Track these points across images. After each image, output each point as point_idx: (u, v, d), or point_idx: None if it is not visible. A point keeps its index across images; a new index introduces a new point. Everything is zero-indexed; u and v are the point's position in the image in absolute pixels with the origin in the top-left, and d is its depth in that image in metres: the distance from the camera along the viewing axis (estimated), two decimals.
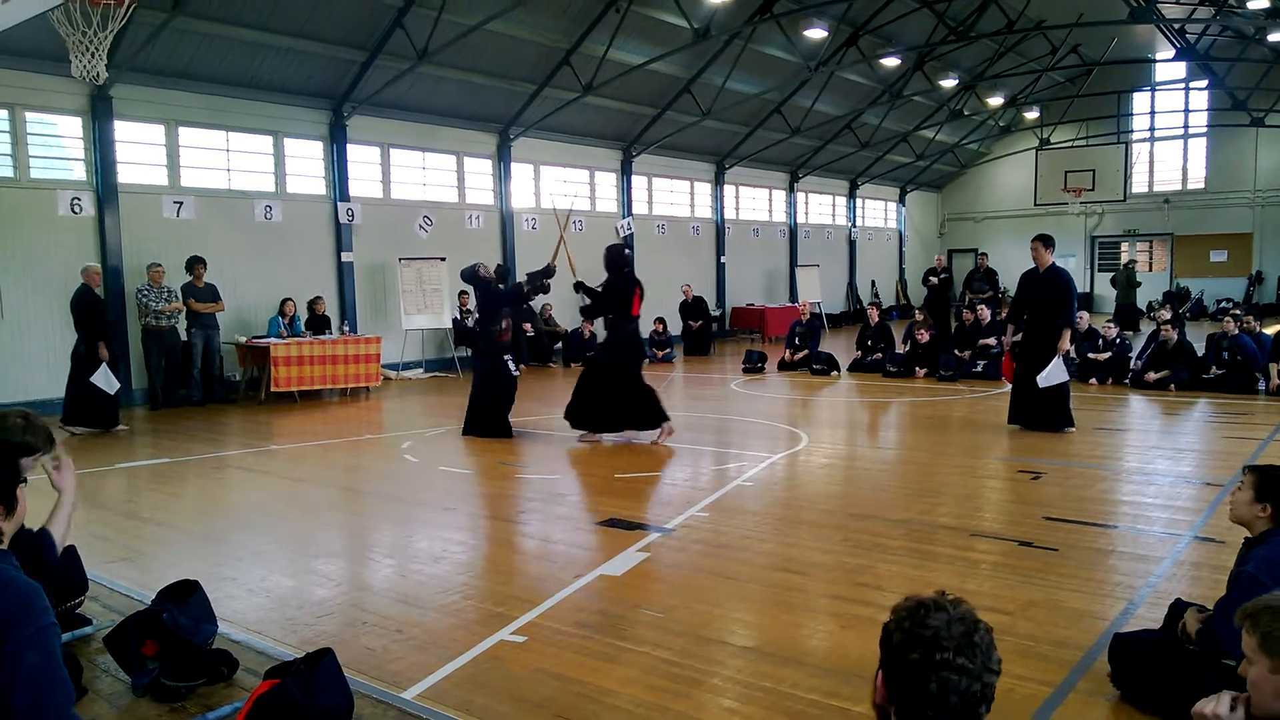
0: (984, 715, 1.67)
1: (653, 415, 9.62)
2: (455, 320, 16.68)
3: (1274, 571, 3.31)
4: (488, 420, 10.08)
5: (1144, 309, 24.65)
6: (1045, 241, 9.63)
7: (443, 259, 16.21)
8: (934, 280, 18.47)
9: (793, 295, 25.47)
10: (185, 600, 3.85)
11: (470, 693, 3.84)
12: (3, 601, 2.56)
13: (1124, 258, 28.14)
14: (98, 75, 7.36)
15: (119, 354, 11.72)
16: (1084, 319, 14.37)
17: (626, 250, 9.83)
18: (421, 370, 16.63)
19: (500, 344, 10.16)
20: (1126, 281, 22.27)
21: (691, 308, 20.48)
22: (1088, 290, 29.89)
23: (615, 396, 9.56)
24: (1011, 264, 29.86)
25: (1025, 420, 9.77)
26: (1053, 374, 9.44)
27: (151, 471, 8.75)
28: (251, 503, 7.60)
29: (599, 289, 9.97)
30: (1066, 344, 9.43)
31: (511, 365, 10.21)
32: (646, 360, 13.21)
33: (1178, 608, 3.92)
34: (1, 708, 2.47)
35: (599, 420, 9.67)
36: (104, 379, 10.77)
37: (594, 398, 9.63)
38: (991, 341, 14.76)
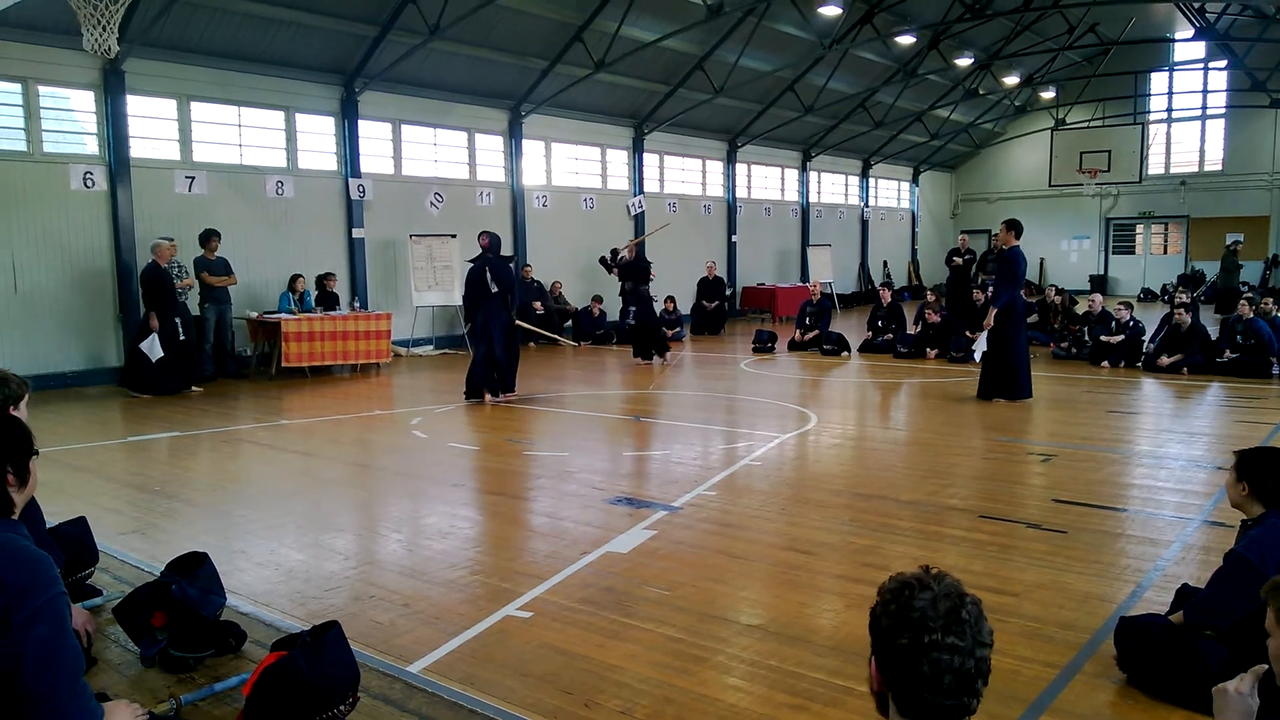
0: (981, 689, 1.66)
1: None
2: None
3: (1263, 551, 3.33)
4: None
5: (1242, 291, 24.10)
6: (1009, 225, 10.48)
7: (453, 236, 16.19)
8: (957, 261, 18.35)
9: (804, 275, 25.37)
10: (194, 572, 3.88)
11: (476, 667, 3.86)
12: (13, 573, 2.58)
13: (1227, 240, 25.47)
14: (109, 49, 7.34)
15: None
16: (1096, 301, 14.32)
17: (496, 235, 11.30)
18: (432, 347, 16.65)
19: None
20: (1226, 265, 21.93)
21: (711, 286, 20.40)
22: (1102, 273, 29.72)
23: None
24: (1026, 246, 29.75)
25: (983, 391, 10.63)
26: (979, 346, 10.62)
27: (163, 445, 8.80)
28: (261, 477, 7.64)
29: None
30: (991, 320, 10.37)
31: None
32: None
33: (1185, 592, 3.93)
34: (12, 677, 2.50)
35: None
36: (150, 346, 11.52)
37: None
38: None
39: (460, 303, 11.79)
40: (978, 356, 10.69)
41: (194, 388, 12.04)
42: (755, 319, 22.60)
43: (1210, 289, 25.93)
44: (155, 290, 11.71)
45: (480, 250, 11.03)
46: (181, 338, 11.94)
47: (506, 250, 14.24)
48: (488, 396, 10.83)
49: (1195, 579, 4.31)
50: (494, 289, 10.85)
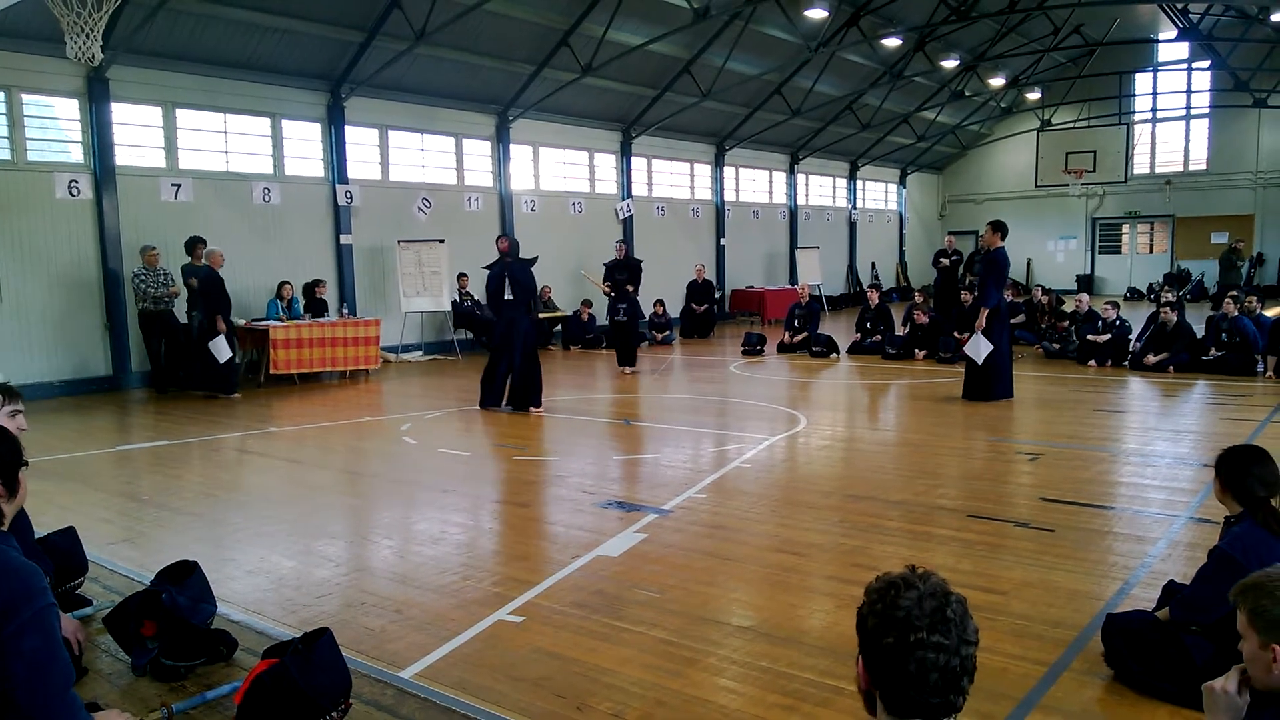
0: (967, 686, 1.67)
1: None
2: (454, 303, 16.67)
3: (1245, 547, 3.38)
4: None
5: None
6: (995, 226, 10.51)
7: (441, 241, 16.18)
8: (944, 262, 18.46)
9: (793, 277, 25.43)
10: (184, 580, 3.87)
11: (468, 672, 3.87)
12: (2, 584, 2.57)
13: (1212, 239, 26.72)
14: (93, 57, 7.32)
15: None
16: (1083, 301, 14.40)
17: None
18: (421, 353, 16.62)
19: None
20: (1226, 262, 22.13)
21: (700, 289, 20.41)
22: (1089, 273, 29.88)
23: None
24: (1012, 246, 29.91)
25: (967, 392, 10.65)
26: (975, 348, 10.42)
27: (152, 453, 8.77)
28: (251, 484, 7.62)
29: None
30: (983, 322, 10.35)
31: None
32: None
33: (1171, 588, 3.97)
34: (3, 689, 2.49)
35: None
36: (217, 347, 11.91)
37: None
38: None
39: (486, 302, 11.48)
40: (980, 360, 10.37)
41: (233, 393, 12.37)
42: (744, 322, 22.63)
43: (1197, 287, 26.12)
44: (216, 294, 12.06)
45: (499, 254, 10.82)
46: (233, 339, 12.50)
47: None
48: (499, 407, 10.71)
49: (1182, 575, 4.34)
50: (510, 295, 10.65)
